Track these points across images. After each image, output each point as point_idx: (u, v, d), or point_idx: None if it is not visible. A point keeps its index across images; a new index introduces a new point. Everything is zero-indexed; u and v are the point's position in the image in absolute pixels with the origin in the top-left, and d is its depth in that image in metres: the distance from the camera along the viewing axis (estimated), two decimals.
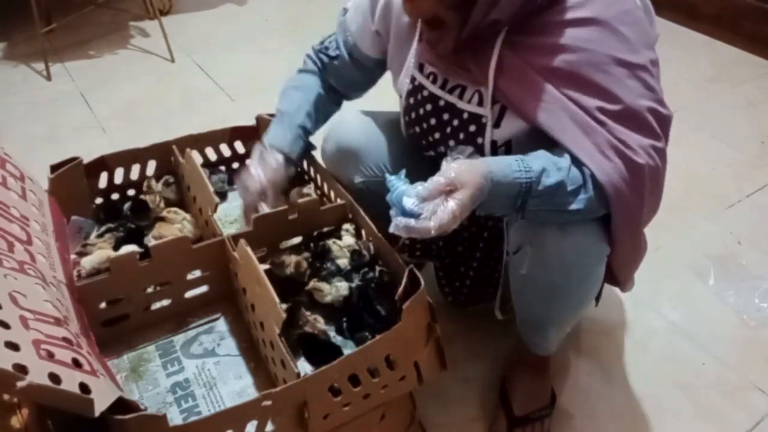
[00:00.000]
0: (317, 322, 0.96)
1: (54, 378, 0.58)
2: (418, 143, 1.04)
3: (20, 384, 0.55)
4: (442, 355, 0.90)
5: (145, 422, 0.67)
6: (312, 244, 1.05)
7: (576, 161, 0.82)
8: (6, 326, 0.59)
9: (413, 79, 1.00)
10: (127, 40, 2.49)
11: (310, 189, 1.22)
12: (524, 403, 1.11)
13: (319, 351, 0.93)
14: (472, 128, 0.93)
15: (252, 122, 1.28)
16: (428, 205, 0.75)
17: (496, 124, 0.90)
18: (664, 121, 0.85)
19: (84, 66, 2.31)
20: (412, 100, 1.01)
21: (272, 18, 2.65)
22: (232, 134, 1.29)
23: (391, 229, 0.77)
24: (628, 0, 0.85)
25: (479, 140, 0.92)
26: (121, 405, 0.65)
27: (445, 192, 0.76)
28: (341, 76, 1.14)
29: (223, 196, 1.28)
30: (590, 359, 1.26)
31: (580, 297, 0.96)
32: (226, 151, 1.32)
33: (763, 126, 1.97)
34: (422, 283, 0.83)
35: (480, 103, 0.91)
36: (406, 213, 0.76)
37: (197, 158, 1.18)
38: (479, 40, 0.86)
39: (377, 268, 1.00)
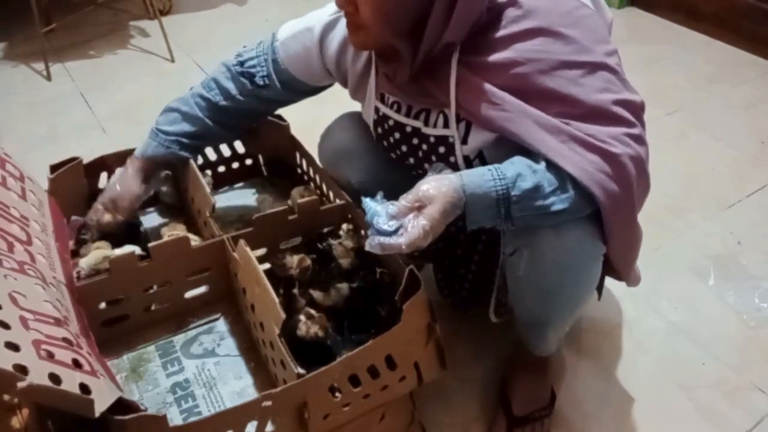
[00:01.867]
0: (321, 319, 0.95)
1: (54, 378, 0.58)
2: (399, 166, 1.05)
3: (20, 384, 0.55)
4: (442, 355, 0.90)
5: (145, 422, 0.67)
6: (318, 245, 1.05)
7: (551, 163, 0.81)
8: (6, 327, 0.59)
9: (377, 110, 1.01)
10: (127, 40, 2.49)
11: (309, 189, 1.22)
12: (524, 403, 1.11)
13: (313, 354, 0.93)
14: (442, 150, 0.94)
15: None
16: (399, 223, 0.78)
17: (464, 141, 0.91)
18: (633, 107, 0.85)
19: (84, 66, 2.31)
20: (380, 130, 1.02)
21: (272, 18, 2.65)
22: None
23: (366, 247, 0.79)
24: (567, 1, 0.85)
25: (451, 159, 0.93)
26: (121, 405, 0.65)
27: (415, 209, 0.79)
28: (269, 101, 1.13)
29: None
30: (590, 359, 1.26)
31: (577, 297, 0.96)
32: (226, 151, 1.32)
33: (763, 126, 1.97)
34: (422, 283, 0.83)
35: (446, 125, 0.92)
36: (380, 233, 0.78)
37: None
38: (434, 64, 0.87)
39: (378, 270, 1.00)
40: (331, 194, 1.14)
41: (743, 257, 1.50)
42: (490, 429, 1.12)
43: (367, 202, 0.81)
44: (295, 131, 1.28)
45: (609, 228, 0.86)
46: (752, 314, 1.35)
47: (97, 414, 0.61)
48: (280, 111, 1.25)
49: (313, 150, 1.22)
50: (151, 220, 1.23)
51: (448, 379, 1.18)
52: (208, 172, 1.31)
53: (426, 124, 0.94)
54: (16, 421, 0.74)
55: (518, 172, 0.80)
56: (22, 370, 0.56)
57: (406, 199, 0.79)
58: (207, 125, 1.11)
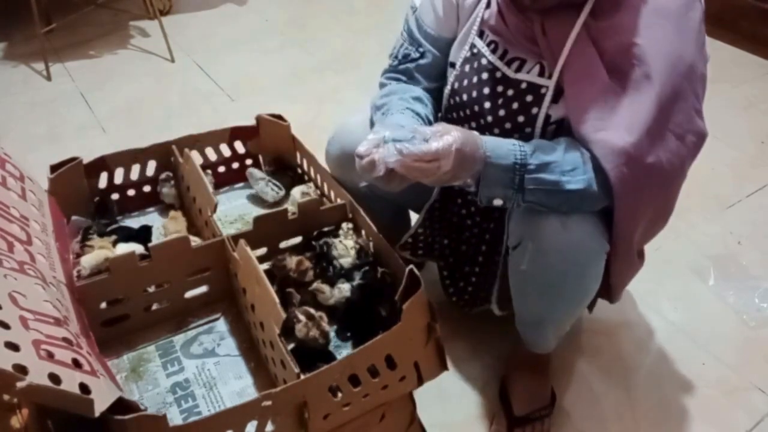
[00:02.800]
0: (322, 320, 0.95)
1: (54, 378, 0.58)
2: (459, 113, 1.02)
3: (20, 384, 0.55)
4: (442, 355, 0.90)
5: (145, 422, 0.67)
6: (314, 243, 1.05)
7: (579, 146, 0.83)
8: (6, 326, 0.59)
9: (472, 46, 0.98)
10: (127, 40, 2.49)
11: (310, 188, 1.22)
12: (524, 403, 1.11)
13: (312, 354, 0.93)
14: (529, 98, 0.92)
15: (252, 122, 1.28)
16: (423, 134, 0.78)
17: (555, 100, 0.90)
18: (699, 137, 0.89)
19: (84, 66, 2.31)
20: (467, 67, 0.99)
21: (272, 18, 2.65)
22: (232, 134, 1.29)
23: (379, 154, 0.77)
24: (699, 10, 0.87)
25: (534, 110, 0.91)
26: (121, 405, 0.65)
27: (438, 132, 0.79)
28: (432, 73, 1.06)
29: None
30: (590, 359, 1.26)
31: (579, 294, 0.96)
32: (226, 151, 1.32)
33: (763, 126, 1.97)
34: (422, 283, 0.83)
35: (541, 75, 0.91)
36: (400, 140, 0.77)
37: (197, 158, 1.18)
38: (562, 15, 0.86)
39: (379, 269, 1.00)
40: (332, 194, 1.14)
41: (743, 257, 1.50)
42: (490, 429, 1.12)
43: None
44: (295, 131, 1.28)
45: (615, 230, 0.88)
46: (752, 314, 1.35)
47: (97, 414, 0.61)
48: (281, 111, 1.25)
49: (313, 149, 1.22)
50: (151, 220, 1.23)
51: (448, 379, 1.18)
52: (209, 171, 1.31)
53: (519, 71, 0.93)
54: (16, 421, 0.74)
55: (536, 145, 0.83)
56: (21, 370, 0.56)
57: (424, 129, 0.79)
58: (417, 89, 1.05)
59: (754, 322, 1.34)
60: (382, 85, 1.09)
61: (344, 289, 1.00)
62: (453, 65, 1.02)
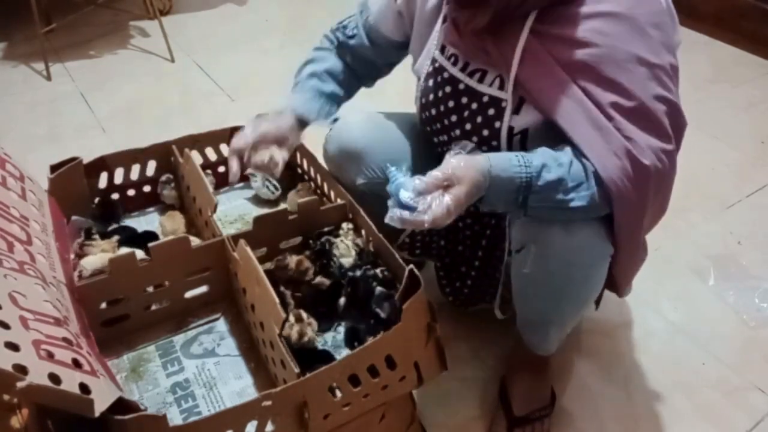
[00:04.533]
0: (309, 326, 0.95)
1: (54, 378, 0.58)
2: (432, 127, 1.03)
3: (20, 384, 0.55)
4: (442, 355, 0.90)
5: (145, 422, 0.67)
6: (311, 241, 1.05)
7: (580, 157, 0.82)
8: (6, 326, 0.59)
9: (434, 61, 0.99)
10: (127, 40, 2.49)
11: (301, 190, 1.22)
12: (524, 403, 1.11)
13: (311, 357, 0.93)
14: (491, 112, 0.92)
15: None
16: (424, 198, 0.77)
17: (516, 111, 0.90)
18: (678, 127, 0.86)
19: (84, 66, 2.30)
20: (431, 82, 1.00)
21: (272, 18, 2.65)
22: (232, 134, 1.28)
23: (387, 220, 0.78)
24: (656, 1, 0.85)
25: (497, 124, 0.91)
26: (121, 405, 0.65)
27: (442, 187, 0.78)
28: (357, 57, 1.13)
29: None
30: (590, 359, 1.26)
31: (582, 297, 0.96)
32: (226, 151, 1.32)
33: (763, 126, 1.97)
34: (422, 283, 0.83)
35: (501, 88, 0.91)
36: (402, 205, 0.77)
37: (197, 158, 1.18)
38: (507, 25, 0.86)
39: (379, 269, 1.00)
40: (332, 194, 1.14)
41: (743, 257, 1.50)
42: (490, 429, 1.12)
43: (393, 172, 0.80)
44: None
45: (618, 232, 0.87)
46: (752, 314, 1.35)
47: (97, 414, 0.61)
48: None
49: (313, 149, 1.22)
50: (151, 220, 1.23)
51: (448, 379, 1.18)
52: (209, 171, 1.31)
53: (481, 82, 0.93)
54: (16, 421, 0.74)
55: (544, 163, 0.81)
56: (21, 370, 0.56)
57: (434, 177, 0.78)
58: (341, 65, 1.13)
59: (754, 322, 1.34)
60: (320, 42, 1.15)
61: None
62: (419, 78, 1.03)
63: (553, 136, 0.85)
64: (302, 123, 1.07)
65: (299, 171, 1.30)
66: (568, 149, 0.84)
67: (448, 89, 0.97)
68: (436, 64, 0.99)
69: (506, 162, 0.80)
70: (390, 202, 0.79)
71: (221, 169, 1.33)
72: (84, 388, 0.61)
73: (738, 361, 1.25)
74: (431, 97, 1.00)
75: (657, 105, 0.82)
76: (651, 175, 0.82)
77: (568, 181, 0.81)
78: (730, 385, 1.21)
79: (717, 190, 1.71)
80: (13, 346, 0.58)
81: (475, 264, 1.16)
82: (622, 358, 1.26)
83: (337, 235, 1.04)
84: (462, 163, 0.79)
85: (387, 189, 0.79)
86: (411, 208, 0.77)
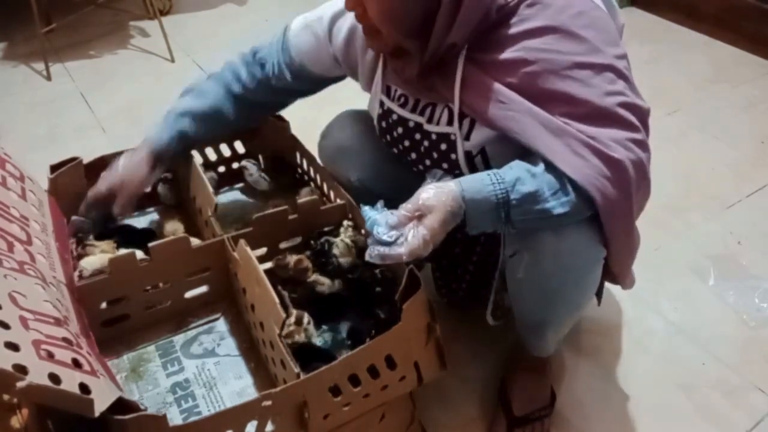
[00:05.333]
0: (306, 332, 0.95)
1: (54, 378, 0.58)
2: (402, 161, 1.05)
3: (20, 384, 0.55)
4: (442, 355, 0.90)
5: (145, 422, 0.67)
6: (312, 242, 1.05)
7: (551, 166, 0.81)
8: (6, 326, 0.59)
9: (382, 104, 1.01)
10: (127, 40, 2.49)
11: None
12: (524, 403, 1.11)
13: (311, 357, 0.93)
14: (443, 146, 0.94)
15: None
16: (399, 232, 0.78)
17: (467, 137, 0.91)
18: (639, 112, 0.84)
19: (84, 66, 2.30)
20: (384, 124, 1.02)
21: (272, 18, 2.64)
22: (232, 134, 1.29)
23: (366, 257, 0.79)
24: (581, 1, 0.84)
25: (453, 156, 0.93)
26: (121, 405, 0.65)
27: (415, 218, 0.78)
28: (280, 92, 1.13)
29: None
30: (590, 359, 1.26)
31: (577, 300, 0.96)
32: (225, 150, 1.32)
33: (763, 126, 1.97)
34: (422, 283, 0.83)
35: (450, 121, 0.92)
36: (380, 242, 0.77)
37: (197, 158, 1.18)
38: (443, 61, 0.87)
39: (378, 269, 1.00)
40: (331, 194, 1.14)
41: (743, 257, 1.49)
42: (490, 429, 1.12)
43: (366, 211, 0.81)
44: (294, 130, 1.28)
45: (607, 231, 0.86)
46: (752, 314, 1.35)
47: (96, 414, 0.61)
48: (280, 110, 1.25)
49: (313, 149, 1.22)
50: (150, 220, 1.23)
51: (448, 379, 1.18)
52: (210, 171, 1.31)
53: (430, 120, 0.94)
54: (16, 421, 0.74)
55: (517, 176, 0.80)
56: (21, 369, 0.56)
57: (405, 209, 0.79)
58: (218, 105, 1.10)
59: (754, 322, 1.34)
60: (228, 63, 1.13)
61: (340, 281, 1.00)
62: (374, 119, 1.05)
63: (513, 147, 0.85)
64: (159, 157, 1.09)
65: (299, 171, 1.31)
66: (539, 158, 0.83)
67: (400, 130, 0.99)
68: (384, 107, 1.00)
69: (479, 183, 0.80)
70: (369, 240, 0.79)
71: (221, 169, 1.33)
72: (84, 388, 0.61)
73: (738, 361, 1.25)
74: (388, 137, 1.03)
75: (609, 101, 0.82)
76: (628, 168, 0.81)
77: (545, 190, 0.80)
78: (730, 385, 1.21)
79: (717, 190, 1.71)
80: (13, 346, 0.58)
81: (471, 267, 1.16)
82: (622, 358, 1.26)
83: (337, 235, 1.05)
84: (432, 193, 0.79)
85: (366, 228, 0.80)
86: (388, 244, 0.77)
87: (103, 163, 1.16)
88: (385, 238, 0.77)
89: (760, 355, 1.26)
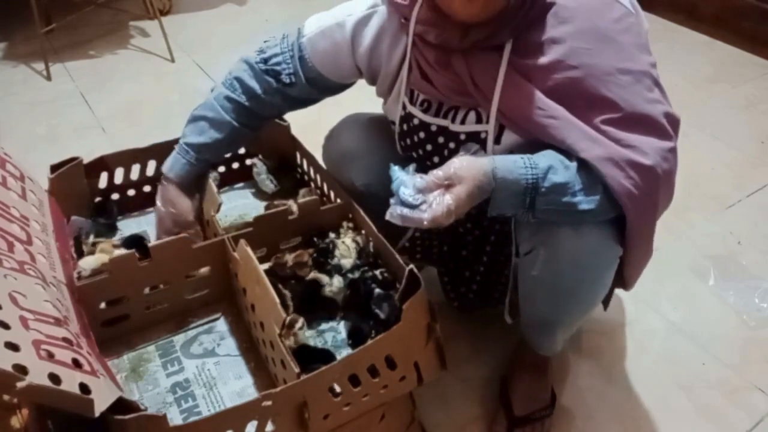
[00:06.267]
0: (296, 335, 0.95)
1: (54, 378, 0.58)
2: (421, 166, 1.02)
3: (20, 384, 0.55)
4: (442, 355, 0.90)
5: (145, 422, 0.67)
6: (315, 239, 1.05)
7: (585, 164, 0.81)
8: (6, 327, 0.59)
9: (404, 106, 0.99)
10: (127, 40, 2.49)
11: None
12: (524, 403, 1.11)
13: (311, 357, 0.93)
14: None
15: None
16: (425, 197, 0.77)
17: (497, 141, 0.89)
18: (675, 122, 0.85)
19: (84, 66, 2.30)
20: (405, 127, 1.00)
21: (272, 18, 2.65)
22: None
23: (387, 217, 0.78)
24: (617, 6, 0.84)
25: (480, 155, 0.91)
26: (121, 405, 0.65)
27: (444, 186, 0.78)
28: (292, 98, 1.09)
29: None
30: (590, 359, 1.26)
31: (591, 298, 0.96)
32: None
33: (763, 126, 1.97)
34: (422, 283, 0.83)
35: (477, 121, 0.91)
36: (403, 203, 0.77)
37: None
38: (486, 60, 0.85)
39: (378, 271, 1.00)
40: (332, 194, 1.14)
41: (743, 257, 1.50)
42: (490, 429, 1.12)
43: (395, 171, 0.80)
44: (295, 131, 1.28)
45: (629, 235, 0.87)
46: (752, 314, 1.35)
47: (96, 414, 0.61)
48: None
49: (313, 150, 1.22)
50: (151, 220, 1.23)
51: (448, 379, 1.18)
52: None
53: (453, 121, 0.93)
54: (16, 421, 0.75)
55: (550, 165, 0.80)
56: (21, 370, 0.56)
57: (435, 175, 0.78)
58: (235, 128, 1.07)
59: (754, 322, 1.34)
60: (236, 81, 1.07)
61: (341, 280, 1.00)
62: (393, 123, 1.03)
63: (544, 149, 0.84)
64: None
65: (299, 171, 1.31)
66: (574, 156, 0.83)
67: (422, 134, 0.97)
68: (406, 110, 0.99)
69: (512, 164, 0.80)
70: (392, 200, 0.79)
71: (221, 168, 1.33)
72: (84, 388, 0.61)
73: (738, 361, 1.25)
74: (408, 141, 1.01)
75: (649, 108, 0.82)
76: (659, 177, 0.82)
77: (575, 183, 0.80)
78: (730, 385, 1.21)
79: (717, 190, 1.71)
80: (13, 346, 0.58)
81: (480, 269, 1.16)
82: (622, 358, 1.26)
83: (339, 235, 1.05)
84: (465, 163, 0.79)
85: (392, 188, 0.80)
86: (412, 206, 0.77)
87: (103, 163, 1.16)
88: (410, 199, 0.77)
89: (760, 355, 1.27)
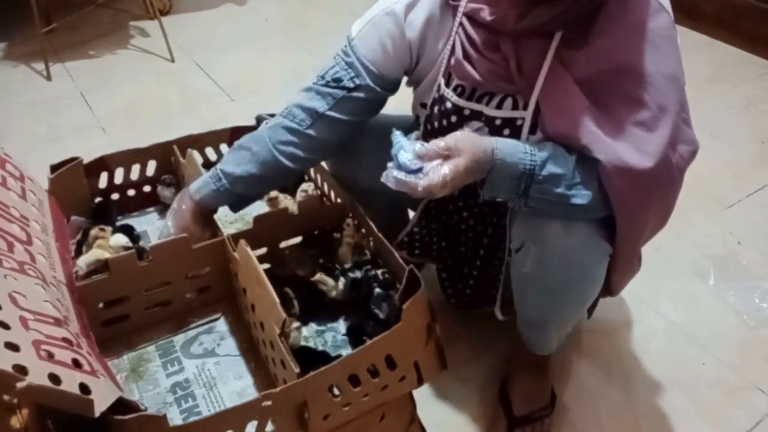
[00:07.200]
0: (300, 332, 0.95)
1: (54, 378, 0.58)
2: None
3: (20, 385, 0.55)
4: (442, 355, 0.90)
5: (145, 422, 0.67)
6: (317, 234, 1.05)
7: (587, 159, 0.82)
8: (6, 327, 0.59)
9: (439, 88, 0.97)
10: (127, 40, 2.49)
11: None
12: (524, 403, 1.11)
13: (311, 357, 0.93)
14: (506, 132, 0.91)
15: (252, 122, 1.28)
16: (423, 164, 0.78)
17: (532, 131, 0.89)
18: (693, 151, 0.87)
19: (84, 66, 2.31)
20: (436, 110, 0.98)
21: (272, 18, 2.65)
22: (232, 134, 1.29)
23: (382, 178, 0.78)
24: (664, 15, 0.85)
25: None
26: (121, 405, 0.65)
27: (443, 156, 0.78)
28: (358, 109, 1.00)
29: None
30: (590, 359, 1.26)
31: (581, 296, 0.96)
32: (226, 150, 1.31)
33: (763, 126, 1.97)
34: (422, 283, 0.83)
35: (514, 107, 0.90)
36: (401, 166, 0.77)
37: (198, 158, 1.18)
38: (535, 45, 0.85)
39: (380, 271, 1.00)
40: (332, 193, 1.14)
41: (743, 257, 1.50)
42: (490, 429, 1.12)
43: (397, 135, 0.81)
44: None
45: (618, 239, 0.88)
46: (752, 314, 1.35)
47: (97, 414, 0.61)
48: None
49: None
50: (151, 220, 1.23)
51: (448, 379, 1.18)
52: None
53: (488, 105, 0.92)
54: (16, 421, 0.74)
55: (550, 155, 0.81)
56: (21, 370, 0.56)
57: (436, 144, 0.79)
58: (278, 164, 0.98)
59: (754, 322, 1.34)
60: (297, 105, 0.98)
61: (345, 281, 1.00)
62: (424, 106, 1.01)
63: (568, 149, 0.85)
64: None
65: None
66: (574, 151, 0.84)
67: (453, 118, 0.95)
68: (440, 92, 0.97)
69: (512, 147, 0.81)
70: (390, 164, 0.79)
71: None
72: (84, 388, 0.61)
73: (738, 361, 1.25)
74: (436, 124, 0.98)
75: (682, 117, 0.84)
76: (654, 189, 0.83)
77: (572, 177, 0.81)
78: (730, 385, 1.21)
79: (717, 190, 1.71)
80: (13, 347, 0.58)
81: (477, 265, 1.16)
82: (622, 358, 1.26)
83: (339, 235, 1.05)
84: (467, 137, 0.80)
85: (392, 153, 0.80)
86: (408, 171, 0.77)
87: (103, 163, 1.16)
88: (408, 164, 0.77)
89: (760, 355, 1.27)
